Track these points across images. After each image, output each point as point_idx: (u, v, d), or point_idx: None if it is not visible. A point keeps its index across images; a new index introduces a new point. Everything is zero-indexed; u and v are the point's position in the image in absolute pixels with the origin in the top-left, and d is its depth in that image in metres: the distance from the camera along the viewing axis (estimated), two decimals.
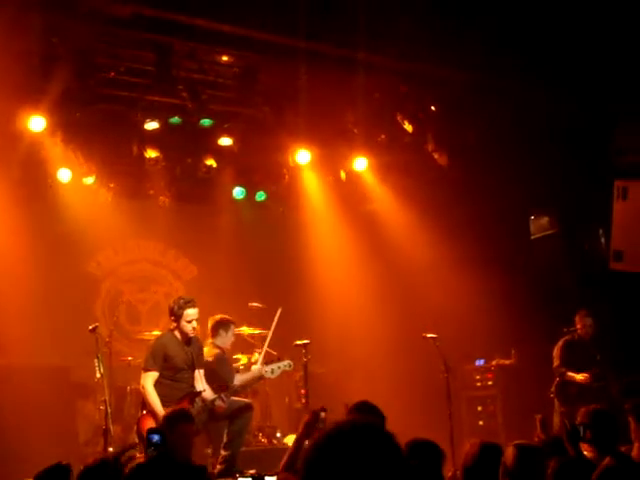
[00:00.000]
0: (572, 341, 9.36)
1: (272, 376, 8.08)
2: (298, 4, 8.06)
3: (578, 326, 9.37)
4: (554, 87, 9.07)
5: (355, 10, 8.19)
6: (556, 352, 9.33)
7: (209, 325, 8.71)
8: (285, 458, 4.73)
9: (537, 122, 9.55)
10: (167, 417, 6.28)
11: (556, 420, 8.67)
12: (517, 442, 4.09)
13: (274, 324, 9.00)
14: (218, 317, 8.75)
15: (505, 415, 10.31)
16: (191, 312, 7.74)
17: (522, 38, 8.55)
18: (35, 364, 9.65)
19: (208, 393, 7.75)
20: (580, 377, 9.16)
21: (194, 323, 7.73)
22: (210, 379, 7.97)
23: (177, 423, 6.08)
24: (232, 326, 8.77)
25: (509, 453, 4.01)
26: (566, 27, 8.38)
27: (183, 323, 7.71)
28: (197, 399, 7.61)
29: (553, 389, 9.27)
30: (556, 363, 9.28)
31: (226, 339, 8.68)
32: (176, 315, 7.75)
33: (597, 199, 9.27)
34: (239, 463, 7.85)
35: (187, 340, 7.83)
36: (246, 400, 8.22)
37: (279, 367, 8.06)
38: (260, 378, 8.23)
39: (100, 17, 7.91)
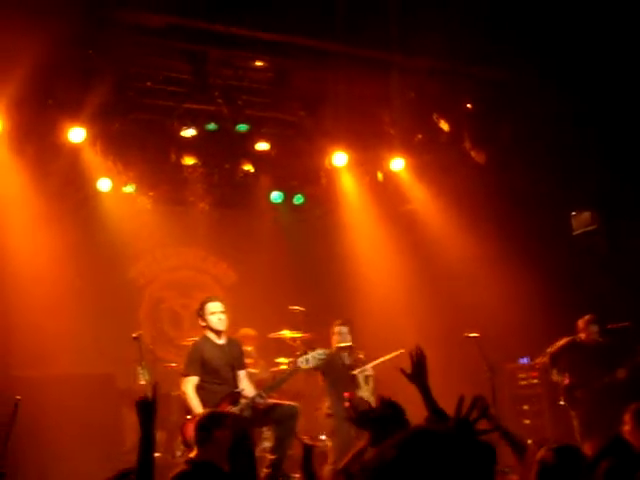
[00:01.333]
0: (574, 343, 9.32)
1: (307, 366, 8.06)
2: (331, 7, 8.07)
3: (582, 334, 9.28)
4: (593, 81, 8.97)
5: (388, 11, 8.18)
6: (557, 344, 9.33)
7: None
8: (349, 457, 4.72)
9: (578, 116, 9.44)
10: (200, 425, 5.99)
11: None
12: (555, 444, 4.03)
13: (385, 358, 9.13)
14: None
15: (552, 413, 10.20)
16: (212, 305, 7.85)
17: (556, 36, 8.47)
18: (80, 372, 9.78)
19: (249, 391, 7.79)
20: (556, 378, 9.23)
21: (219, 315, 7.80)
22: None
23: (211, 429, 5.93)
24: (338, 327, 9.28)
25: (548, 455, 3.96)
26: (602, 26, 8.29)
27: (208, 318, 7.81)
28: (241, 398, 7.66)
29: (562, 397, 9.26)
30: (543, 358, 9.35)
31: (343, 338, 9.20)
32: (201, 315, 7.86)
33: (639, 193, 9.15)
34: (285, 466, 7.87)
35: (226, 341, 7.88)
36: (294, 404, 8.23)
37: (313, 357, 8.05)
38: (296, 370, 8.22)
39: (135, 28, 8.00)
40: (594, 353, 9.23)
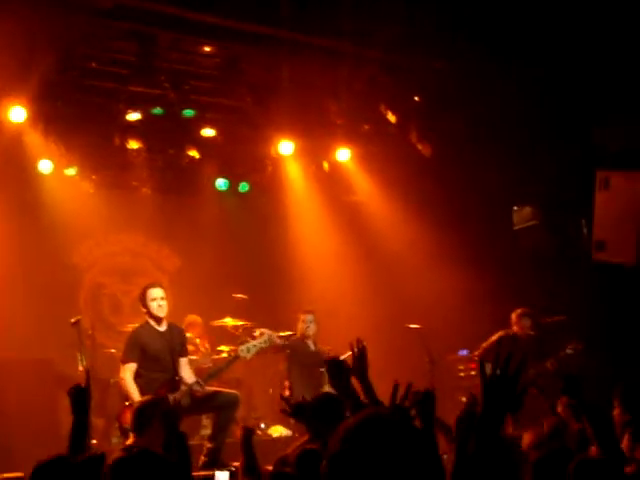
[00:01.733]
0: (507, 337, 9.41)
1: (249, 355, 7.98)
2: None
3: (514, 327, 9.39)
4: (537, 78, 9.10)
5: (337, 0, 8.18)
6: (491, 338, 9.39)
7: None
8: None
9: (520, 113, 9.57)
10: (139, 412, 5.98)
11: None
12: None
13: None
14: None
15: None
16: (153, 291, 7.81)
17: (504, 29, 8.55)
18: (17, 356, 9.59)
19: (188, 378, 7.74)
20: (489, 372, 9.34)
21: (159, 301, 7.76)
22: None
23: (150, 416, 5.83)
24: (303, 315, 9.53)
25: None
26: (546, 17, 8.39)
27: (149, 304, 7.76)
28: (180, 386, 7.61)
29: None
30: (478, 352, 9.42)
31: (307, 326, 9.46)
32: (142, 301, 7.80)
33: (579, 189, 9.30)
34: (223, 455, 7.84)
35: (167, 328, 7.83)
36: (234, 392, 8.19)
37: (255, 345, 7.99)
38: (236, 358, 8.15)
39: (82, 7, 7.84)
40: (526, 346, 9.35)
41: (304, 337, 9.47)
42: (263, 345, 8.08)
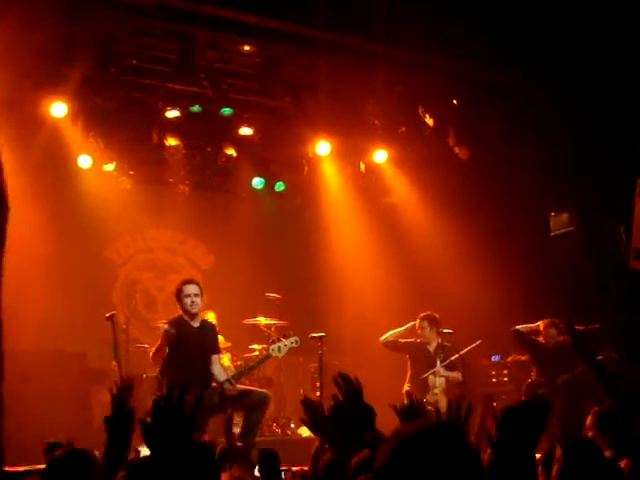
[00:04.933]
0: (537, 343, 9.36)
1: (280, 354, 8.03)
2: None
3: (540, 337, 9.31)
4: (577, 83, 9.01)
5: (376, 2, 8.16)
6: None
7: None
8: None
9: (559, 117, 9.48)
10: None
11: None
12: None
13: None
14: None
15: None
16: (187, 287, 7.83)
17: (544, 33, 8.48)
18: (52, 349, 9.70)
19: (219, 376, 7.77)
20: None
21: (193, 297, 7.78)
22: None
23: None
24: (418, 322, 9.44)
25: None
26: (586, 21, 8.30)
27: (182, 300, 7.78)
28: (211, 383, 7.64)
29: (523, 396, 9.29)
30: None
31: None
32: (177, 296, 7.83)
33: (618, 196, 9.18)
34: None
35: (200, 325, 7.86)
36: (265, 391, 8.21)
37: (285, 345, 8.01)
38: (267, 357, 8.20)
39: (124, 6, 7.92)
40: (554, 354, 9.25)
41: (423, 341, 9.40)
42: (294, 345, 8.11)
